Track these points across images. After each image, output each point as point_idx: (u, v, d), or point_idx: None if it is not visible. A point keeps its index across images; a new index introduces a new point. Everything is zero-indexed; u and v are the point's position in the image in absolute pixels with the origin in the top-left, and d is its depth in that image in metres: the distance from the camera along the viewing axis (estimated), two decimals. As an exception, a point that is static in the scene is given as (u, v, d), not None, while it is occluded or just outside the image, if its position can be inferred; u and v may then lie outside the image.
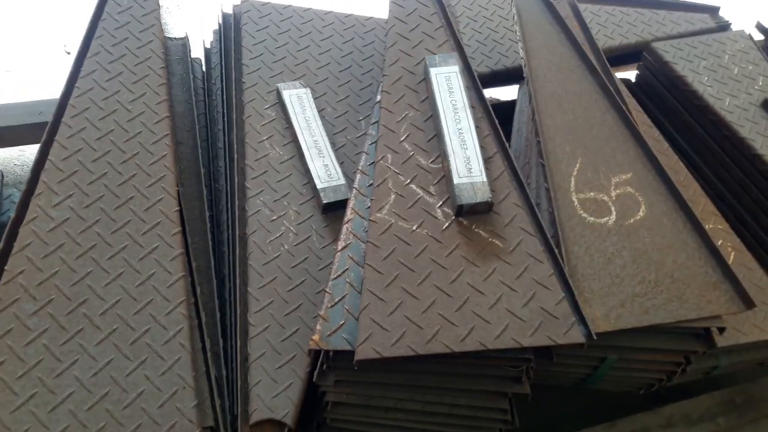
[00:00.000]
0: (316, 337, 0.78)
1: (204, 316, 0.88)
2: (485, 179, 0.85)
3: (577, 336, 0.76)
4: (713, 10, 1.60)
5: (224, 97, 1.14)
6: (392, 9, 1.09)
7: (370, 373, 0.82)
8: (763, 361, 1.13)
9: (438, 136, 0.91)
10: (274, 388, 0.83)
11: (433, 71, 0.95)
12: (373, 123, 0.96)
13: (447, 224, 0.84)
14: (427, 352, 0.75)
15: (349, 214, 0.88)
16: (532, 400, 0.96)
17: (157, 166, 0.91)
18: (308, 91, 1.10)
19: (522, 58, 1.10)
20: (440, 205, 0.86)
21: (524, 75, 1.08)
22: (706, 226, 1.17)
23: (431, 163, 0.90)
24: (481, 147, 0.91)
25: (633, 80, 1.54)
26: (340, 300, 0.80)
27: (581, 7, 1.49)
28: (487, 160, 0.90)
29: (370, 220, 0.85)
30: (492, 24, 1.44)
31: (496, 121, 0.95)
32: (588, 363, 0.95)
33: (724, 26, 1.56)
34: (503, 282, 0.80)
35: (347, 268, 0.83)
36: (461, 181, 0.84)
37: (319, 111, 1.11)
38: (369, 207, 0.87)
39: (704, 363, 1.06)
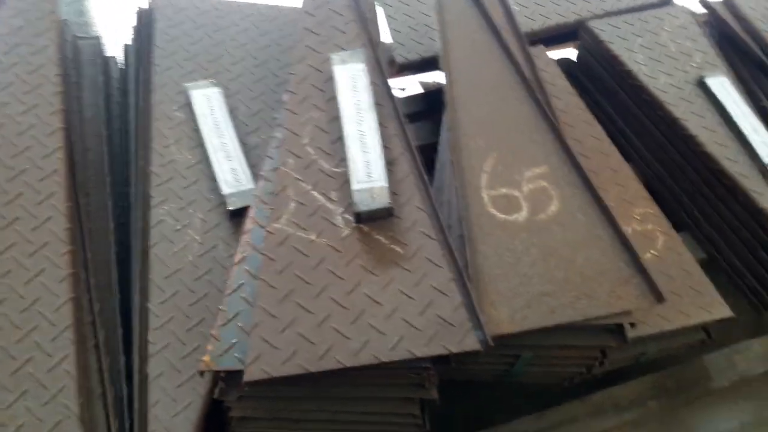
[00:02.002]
0: (206, 357, 0.76)
1: (103, 335, 0.86)
2: (385, 184, 0.82)
3: (472, 343, 0.74)
4: (656, -16, 1.55)
5: (135, 99, 1.10)
6: (304, 2, 1.05)
7: (275, 387, 0.80)
8: (694, 344, 1.13)
9: (341, 138, 0.88)
10: (173, 408, 0.81)
11: (337, 69, 0.92)
12: (277, 125, 0.92)
13: (347, 232, 0.82)
14: (319, 369, 0.73)
15: (248, 223, 0.85)
16: (472, 388, 0.95)
17: (47, 183, 0.87)
18: (218, 90, 1.06)
19: (439, 48, 1.06)
20: (341, 212, 0.84)
21: (441, 66, 1.04)
22: (636, 210, 1.16)
23: (335, 167, 0.87)
24: (386, 148, 0.88)
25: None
26: (233, 317, 0.78)
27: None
28: (391, 162, 0.87)
29: (266, 231, 0.82)
30: (424, 8, 1.39)
31: (404, 120, 0.91)
32: (503, 361, 0.93)
33: (666, 1, 1.52)
34: (401, 290, 0.78)
35: (243, 283, 0.80)
36: (360, 187, 0.81)
37: (232, 110, 1.07)
38: (268, 216, 0.84)
39: (632, 350, 1.05)
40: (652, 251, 1.11)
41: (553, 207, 0.92)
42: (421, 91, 1.51)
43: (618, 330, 0.89)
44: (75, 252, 0.84)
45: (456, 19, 1.10)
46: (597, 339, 0.89)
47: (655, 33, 1.37)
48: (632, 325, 0.87)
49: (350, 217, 0.83)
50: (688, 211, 1.30)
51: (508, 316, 0.83)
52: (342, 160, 0.88)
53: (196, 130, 1.04)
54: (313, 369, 0.72)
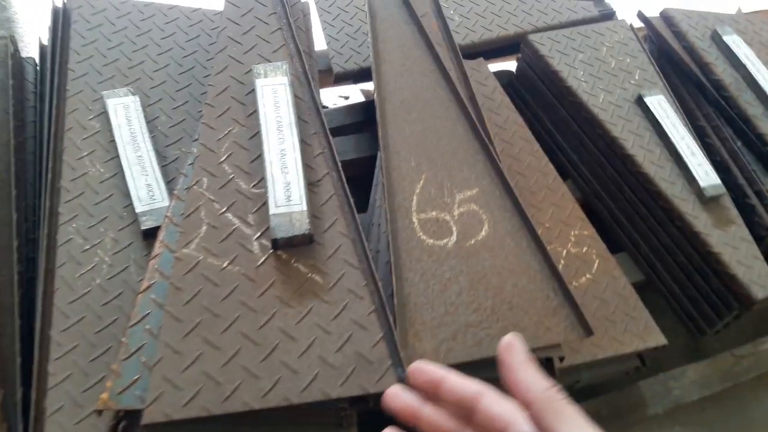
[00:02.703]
0: (104, 395, 0.69)
1: (-2, 365, 0.79)
2: (305, 208, 0.77)
3: (391, 382, 0.70)
4: (599, -2, 1.55)
5: (49, 106, 1.02)
6: (225, 9, 0.99)
7: (183, 425, 0.75)
8: (629, 371, 1.12)
9: (261, 156, 0.83)
10: (71, 447, 0.75)
11: (258, 82, 0.86)
12: (194, 140, 0.86)
13: (263, 259, 0.77)
14: (224, 412, 0.68)
15: (157, 247, 0.79)
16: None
17: (-67, 199, 0.79)
18: (136, 99, 0.99)
19: (371, 62, 1.02)
20: (258, 237, 0.78)
21: (373, 82, 1.00)
22: (572, 232, 1.14)
23: (253, 187, 0.81)
24: (310, 168, 0.84)
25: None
26: (136, 351, 0.72)
27: (461, -5, 1.41)
28: (314, 184, 0.83)
29: (175, 256, 0.76)
30: (363, 15, 1.34)
31: (330, 138, 0.87)
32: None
33: (609, 14, 1.52)
34: (318, 324, 0.73)
35: (148, 313, 0.74)
36: (278, 212, 0.76)
37: (152, 120, 1.00)
38: (178, 240, 0.78)
39: (566, 378, 1.04)
40: (587, 275, 1.10)
41: (483, 232, 0.89)
42: (363, 99, 1.47)
43: (547, 363, 0.86)
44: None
45: (388, 30, 1.06)
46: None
47: (595, 48, 1.36)
48: (561, 359, 0.84)
49: (267, 243, 0.78)
50: (626, 232, 1.30)
51: (433, 348, 0.79)
52: (261, 180, 0.82)
53: (112, 142, 0.97)
54: (216, 411, 0.67)
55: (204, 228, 0.78)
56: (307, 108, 0.88)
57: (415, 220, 0.89)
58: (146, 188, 0.91)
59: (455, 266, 0.86)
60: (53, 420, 0.77)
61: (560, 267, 1.08)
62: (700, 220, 1.14)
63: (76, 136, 0.96)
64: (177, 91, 1.04)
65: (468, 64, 1.33)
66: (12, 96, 1.03)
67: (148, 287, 0.76)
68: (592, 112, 1.26)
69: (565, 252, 1.11)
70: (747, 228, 1.17)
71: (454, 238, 0.88)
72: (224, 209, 0.79)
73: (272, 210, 0.76)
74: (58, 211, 0.90)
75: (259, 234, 0.78)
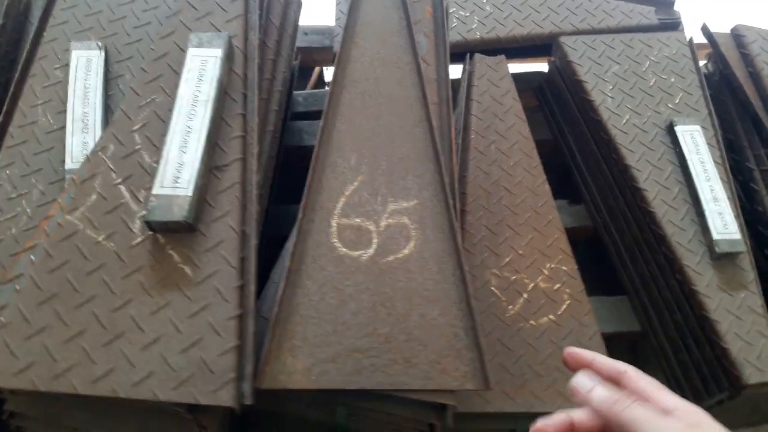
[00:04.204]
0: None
1: None
2: (191, 194, 0.72)
3: (225, 398, 0.64)
4: (666, 4, 1.35)
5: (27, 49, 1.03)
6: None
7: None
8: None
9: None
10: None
11: (190, 52, 0.81)
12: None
13: (139, 240, 0.73)
14: (49, 390, 0.65)
15: (52, 208, 0.77)
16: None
17: None
18: (101, 53, 0.97)
19: (340, 44, 0.94)
20: (142, 216, 0.74)
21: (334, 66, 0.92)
22: (548, 265, 1.02)
23: (155, 162, 0.77)
24: (220, 151, 0.78)
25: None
26: (1, 309, 0.71)
27: (501, -17, 1.29)
28: (220, 168, 0.77)
29: (57, 222, 0.74)
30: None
31: (256, 121, 0.80)
32: (320, 410, 0.83)
33: (672, 25, 1.32)
34: (172, 320, 0.68)
35: (22, 274, 0.73)
36: (161, 192, 0.72)
37: (116, 77, 0.98)
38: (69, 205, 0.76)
39: (500, 423, 0.93)
40: (550, 316, 0.97)
41: (407, 250, 0.80)
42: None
43: (442, 408, 0.76)
44: None
45: (371, 12, 0.97)
46: (419, 412, 0.77)
47: (636, 61, 1.19)
48: (449, 407, 0.74)
49: (149, 224, 0.74)
50: (628, 274, 1.14)
51: (305, 368, 0.72)
52: (169, 155, 0.78)
53: (69, 94, 0.96)
54: (42, 388, 0.65)
55: (93, 197, 0.75)
56: (242, 86, 0.82)
57: (334, 224, 0.81)
58: (82, 146, 0.89)
59: (362, 282, 0.78)
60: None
61: (521, 301, 0.97)
62: (703, 277, 0.97)
63: (38, 83, 0.96)
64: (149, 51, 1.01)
65: (485, 61, 1.21)
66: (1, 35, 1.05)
67: (31, 247, 0.74)
68: (611, 134, 1.10)
69: (531, 285, 0.99)
70: (764, 299, 0.98)
71: (371, 251, 0.80)
72: (119, 181, 0.76)
73: (155, 190, 0.71)
74: (-2, 156, 0.90)
75: (143, 213, 0.74)
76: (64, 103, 0.96)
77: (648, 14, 1.31)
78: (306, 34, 1.36)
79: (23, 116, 0.94)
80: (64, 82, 0.97)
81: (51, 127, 0.94)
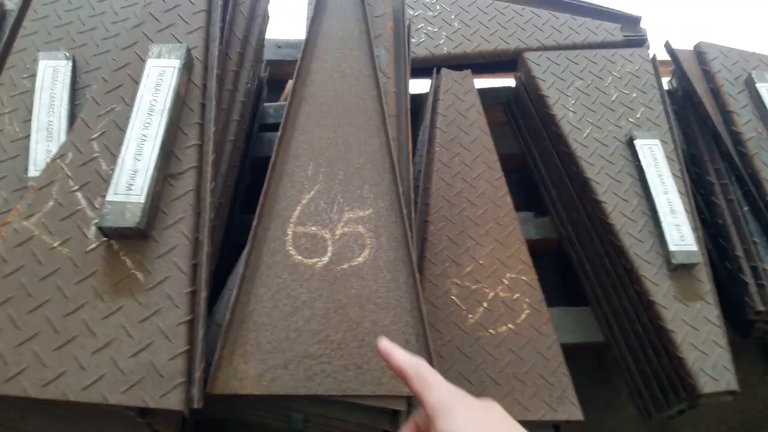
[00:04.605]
0: None
1: None
2: (143, 201, 0.73)
3: (174, 401, 0.65)
4: (632, 21, 1.38)
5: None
6: (162, -18, 0.96)
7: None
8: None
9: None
10: None
11: (149, 63, 0.83)
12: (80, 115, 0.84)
13: (93, 246, 0.74)
14: (1, 393, 0.65)
15: (10, 214, 0.78)
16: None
17: None
18: (69, 63, 0.99)
19: (300, 57, 0.96)
20: (97, 222, 0.75)
21: (295, 74, 0.94)
22: (508, 275, 1.03)
23: (111, 170, 0.78)
24: (176, 159, 0.79)
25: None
26: (-46, 313, 0.71)
27: (471, 0, 1.32)
28: (174, 176, 0.78)
29: (14, 227, 0.75)
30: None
31: (212, 130, 0.82)
32: (274, 416, 0.83)
33: (637, 42, 1.35)
34: (123, 325, 0.69)
35: (-21, 278, 0.73)
36: (114, 199, 0.73)
37: (84, 87, 1.00)
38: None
39: None
40: (509, 324, 0.99)
41: (361, 258, 0.81)
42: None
43: (394, 414, 0.77)
44: None
45: (333, 26, 0.99)
46: (368, 418, 0.78)
47: (599, 76, 1.21)
48: (401, 413, 0.75)
49: (104, 230, 0.75)
50: (591, 285, 1.16)
51: (257, 374, 0.73)
52: (126, 164, 0.79)
53: (36, 103, 0.97)
54: (-8, 391, 0.65)
55: (50, 204, 0.76)
56: (200, 96, 0.83)
57: (290, 232, 0.83)
58: (45, 154, 0.90)
59: (316, 290, 0.79)
60: None
61: (480, 310, 0.98)
62: (660, 288, 0.99)
63: (5, 92, 0.98)
64: (116, 62, 1.03)
65: (451, 76, 1.23)
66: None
67: (-11, 253, 0.75)
68: (571, 147, 1.12)
69: (491, 295, 1.00)
70: (720, 308, 1.00)
71: (326, 259, 0.81)
72: (76, 188, 0.77)
73: (109, 197, 0.73)
74: (-37, 163, 0.91)
75: (98, 219, 0.75)
76: (31, 112, 0.97)
77: (613, 31, 1.34)
78: (279, 47, 1.38)
79: (-11, 125, 0.95)
80: (31, 92, 0.98)
81: (17, 136, 0.95)
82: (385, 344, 0.60)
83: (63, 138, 0.93)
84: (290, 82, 1.47)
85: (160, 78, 0.81)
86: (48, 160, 0.90)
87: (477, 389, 0.93)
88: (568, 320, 1.14)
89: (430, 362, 0.75)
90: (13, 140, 0.95)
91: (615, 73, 1.22)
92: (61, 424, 0.77)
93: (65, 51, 1.02)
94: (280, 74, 1.39)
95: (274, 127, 1.28)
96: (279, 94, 1.42)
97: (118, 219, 0.72)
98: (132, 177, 0.74)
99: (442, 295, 0.98)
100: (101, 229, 0.72)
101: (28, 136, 0.95)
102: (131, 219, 0.72)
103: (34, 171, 0.90)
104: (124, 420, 0.73)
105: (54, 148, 0.92)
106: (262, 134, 1.26)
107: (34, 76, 1.00)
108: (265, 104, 1.30)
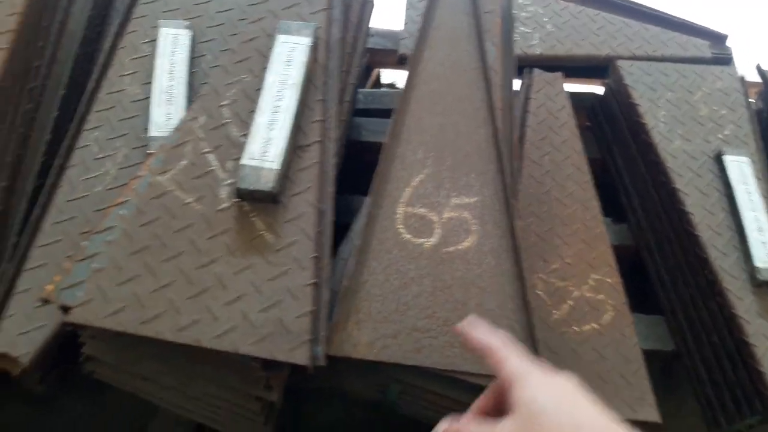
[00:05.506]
0: (50, 287, 0.74)
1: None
2: (278, 167, 0.77)
3: (300, 357, 0.69)
4: (719, 39, 1.39)
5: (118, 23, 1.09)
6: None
7: (125, 336, 0.78)
8: None
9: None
10: (24, 325, 0.81)
11: (280, 38, 0.87)
12: (203, 83, 0.89)
13: (225, 206, 0.77)
14: (138, 333, 0.69)
15: (141, 170, 0.82)
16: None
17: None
18: (188, 33, 1.03)
19: (414, 46, 0.99)
20: (229, 184, 0.79)
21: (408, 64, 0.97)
22: (593, 276, 1.05)
23: (242, 136, 0.82)
24: (302, 132, 0.83)
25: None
26: (91, 256, 0.75)
27: (563, 5, 1.34)
28: (302, 148, 0.82)
29: (149, 182, 0.79)
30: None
31: (334, 108, 0.85)
32: (371, 385, 0.87)
33: (724, 60, 1.36)
34: (253, 281, 0.73)
35: (113, 226, 0.78)
36: (249, 163, 0.77)
37: (198, 57, 1.04)
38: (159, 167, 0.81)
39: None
40: (594, 324, 1.01)
41: (467, 242, 0.84)
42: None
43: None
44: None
45: (445, 17, 1.02)
46: (466, 396, 0.80)
47: (689, 90, 1.23)
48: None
49: (235, 191, 0.79)
50: (667, 295, 1.17)
51: (369, 341, 0.76)
52: (253, 131, 0.83)
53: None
54: (131, 331, 0.69)
55: (184, 162, 0.80)
56: (323, 74, 0.87)
57: (400, 211, 0.86)
58: (166, 116, 0.95)
59: (423, 268, 0.82)
60: (18, 298, 0.83)
61: (565, 307, 1.00)
62: (743, 302, 1.00)
63: (126, 55, 1.02)
64: (230, 35, 1.07)
65: (543, 77, 1.25)
66: (92, 8, 1.11)
67: (121, 203, 0.79)
68: (661, 157, 1.14)
69: (577, 293, 1.02)
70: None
71: (433, 240, 0.84)
72: (209, 149, 0.81)
73: (244, 160, 0.76)
74: (87, 118, 0.96)
75: (231, 181, 0.79)
76: (150, 75, 1.01)
77: (702, 47, 1.36)
78: (371, 36, 1.41)
79: (111, 84, 1.00)
80: (150, 56, 1.03)
81: (136, 97, 0.99)
82: (464, 324, 0.60)
83: (182, 102, 0.97)
84: (376, 71, 1.51)
85: (290, 53, 0.85)
86: (167, 122, 0.94)
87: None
88: (641, 327, 1.15)
89: (535, 349, 0.78)
90: (132, 101, 0.99)
91: (705, 89, 1.24)
92: (174, 371, 0.81)
93: (183, 21, 1.06)
94: (368, 62, 1.42)
95: (363, 113, 1.32)
96: (365, 80, 1.46)
97: (254, 182, 0.75)
98: (266, 144, 0.78)
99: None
100: (237, 190, 0.76)
101: (146, 98, 0.99)
102: (266, 183, 0.75)
103: (154, 131, 0.94)
104: (237, 372, 0.77)
105: (173, 112, 0.96)
106: (353, 118, 1.29)
107: (153, 41, 1.05)
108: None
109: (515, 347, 0.57)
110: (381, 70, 1.56)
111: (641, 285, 1.27)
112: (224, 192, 0.78)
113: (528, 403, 0.50)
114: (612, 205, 1.32)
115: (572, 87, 1.44)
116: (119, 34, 1.05)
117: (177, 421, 1.07)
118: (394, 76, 1.64)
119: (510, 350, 0.56)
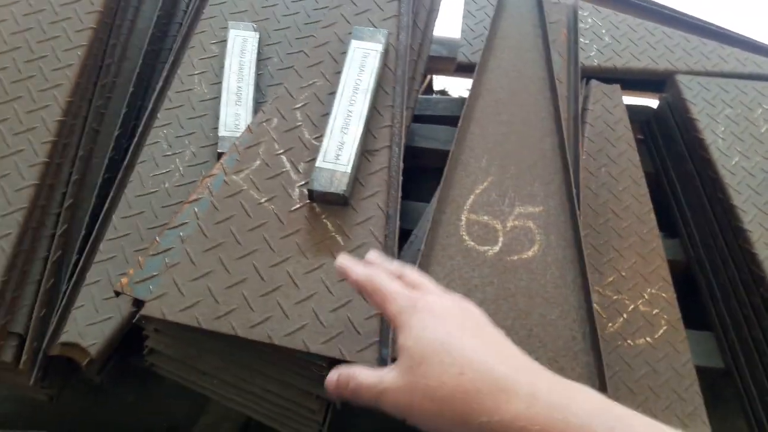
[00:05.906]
0: (124, 280, 0.76)
1: (64, 229, 0.89)
2: (349, 170, 0.78)
3: (369, 358, 0.70)
4: (779, 56, 1.37)
5: (187, 23, 1.12)
6: (358, -30, 1.02)
7: (189, 331, 0.80)
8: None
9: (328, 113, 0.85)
10: (93, 317, 0.83)
11: (354, 44, 0.88)
12: (278, 84, 0.90)
13: (297, 206, 0.79)
14: (212, 329, 0.71)
15: (215, 168, 0.84)
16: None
17: (59, 73, 0.91)
18: (256, 35, 1.05)
19: (481, 54, 1.00)
20: (301, 185, 0.81)
21: (475, 73, 0.98)
22: (648, 290, 1.05)
23: (314, 139, 0.84)
24: (372, 137, 0.84)
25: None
26: (164, 251, 0.78)
27: (621, 17, 1.34)
28: (371, 152, 0.83)
29: (224, 180, 0.81)
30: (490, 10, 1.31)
31: (404, 114, 0.87)
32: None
33: (784, 77, 1.34)
34: (324, 281, 0.74)
35: (186, 222, 0.80)
36: (323, 166, 0.78)
37: (265, 59, 1.07)
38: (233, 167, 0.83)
39: None
40: (647, 338, 1.00)
41: (531, 252, 0.85)
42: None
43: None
44: (56, 144, 0.87)
45: (510, 27, 1.03)
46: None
47: (749, 107, 1.22)
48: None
49: (306, 192, 0.81)
50: (718, 312, 1.16)
51: (432, 345, 0.77)
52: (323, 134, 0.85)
53: (224, 68, 1.04)
54: (205, 326, 0.71)
55: (257, 162, 0.82)
56: (393, 80, 0.88)
57: (464, 218, 0.87)
58: (234, 117, 0.97)
59: (487, 276, 0.83)
60: (88, 290, 0.86)
61: (620, 320, 1.00)
62: (801, 323, 0.99)
63: (195, 55, 1.05)
64: (297, 38, 1.09)
65: (600, 88, 1.25)
66: (160, 7, 1.14)
67: (195, 200, 0.81)
68: (719, 173, 1.13)
69: (632, 307, 1.02)
70: None
71: (497, 248, 0.85)
72: (281, 151, 0.83)
73: (318, 162, 0.78)
74: (157, 116, 0.99)
75: (303, 183, 0.81)
76: (218, 75, 1.04)
77: (762, 64, 1.34)
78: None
79: (180, 83, 1.02)
80: (219, 57, 1.06)
81: (204, 96, 1.02)
82: (341, 261, 0.55)
83: (250, 103, 0.99)
84: (428, 77, 1.52)
85: (363, 59, 0.86)
86: (236, 122, 0.97)
87: (611, 395, 0.95)
88: (690, 342, 1.14)
89: (599, 362, 0.78)
90: (201, 100, 1.02)
91: (765, 106, 1.22)
92: (237, 369, 0.83)
93: (252, 23, 1.08)
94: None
95: (416, 119, 1.34)
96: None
97: (327, 185, 0.77)
98: (339, 148, 0.79)
99: (582, 300, 1.01)
100: (310, 192, 0.77)
101: (215, 98, 1.02)
102: (338, 186, 0.77)
103: (224, 131, 0.96)
104: (300, 370, 0.78)
105: (242, 112, 0.98)
106: (407, 123, 1.31)
107: (221, 42, 1.07)
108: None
109: (395, 283, 0.51)
110: (434, 76, 1.57)
111: (691, 300, 1.26)
112: (296, 193, 0.80)
113: (409, 349, 0.46)
114: (664, 219, 1.31)
115: (627, 99, 1.43)
116: (188, 34, 1.07)
117: (224, 415, 1.10)
118: (446, 83, 1.65)
119: (391, 288, 0.51)
